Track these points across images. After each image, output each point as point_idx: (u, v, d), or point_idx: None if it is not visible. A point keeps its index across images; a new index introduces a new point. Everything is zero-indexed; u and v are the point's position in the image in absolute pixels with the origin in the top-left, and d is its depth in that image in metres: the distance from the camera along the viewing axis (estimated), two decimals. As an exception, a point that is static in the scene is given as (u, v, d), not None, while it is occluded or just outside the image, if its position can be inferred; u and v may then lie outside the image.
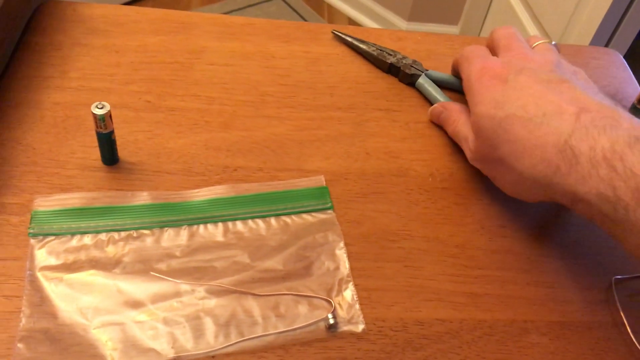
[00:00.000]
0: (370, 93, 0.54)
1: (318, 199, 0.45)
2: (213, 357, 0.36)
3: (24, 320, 0.36)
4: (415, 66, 0.55)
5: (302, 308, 0.39)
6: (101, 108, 0.41)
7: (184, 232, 0.42)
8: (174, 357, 0.36)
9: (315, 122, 0.51)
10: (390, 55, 0.56)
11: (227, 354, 0.37)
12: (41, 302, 0.37)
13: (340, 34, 0.58)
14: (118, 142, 0.45)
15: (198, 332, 0.37)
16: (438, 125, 0.52)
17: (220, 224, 0.42)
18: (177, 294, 0.39)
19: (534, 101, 0.41)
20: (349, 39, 0.57)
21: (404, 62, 0.55)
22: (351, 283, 0.40)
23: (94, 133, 0.46)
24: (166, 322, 0.37)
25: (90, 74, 0.52)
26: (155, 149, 0.47)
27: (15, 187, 0.43)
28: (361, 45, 0.57)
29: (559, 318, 0.41)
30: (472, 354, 0.38)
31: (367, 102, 0.53)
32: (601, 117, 0.38)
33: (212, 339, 0.37)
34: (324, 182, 0.46)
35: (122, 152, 0.46)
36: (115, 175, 0.45)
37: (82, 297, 0.38)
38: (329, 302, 0.39)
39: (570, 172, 0.37)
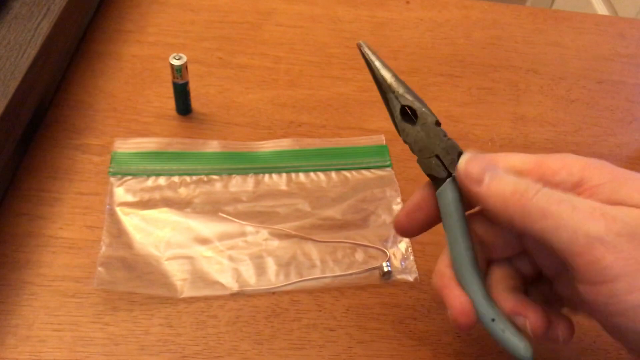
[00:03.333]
0: (433, 59, 0.55)
1: (378, 156, 0.46)
2: (273, 293, 0.39)
3: (104, 248, 0.39)
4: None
5: (358, 256, 0.41)
6: (178, 59, 0.44)
7: (250, 180, 0.44)
8: (237, 291, 0.38)
9: (379, 84, 0.52)
10: (409, 119, 0.35)
11: (286, 292, 0.39)
12: (119, 234, 0.40)
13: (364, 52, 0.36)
14: (191, 94, 0.48)
15: (260, 270, 0.40)
16: (500, 91, 0.52)
17: (284, 174, 0.45)
18: (242, 234, 0.41)
19: None
20: (375, 62, 0.36)
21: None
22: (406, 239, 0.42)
23: (169, 85, 0.49)
24: (231, 258, 0.40)
25: (166, 29, 0.54)
26: (225, 102, 0.49)
27: (97, 130, 0.46)
28: (378, 75, 0.36)
29: None
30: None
31: (430, 67, 0.54)
32: None
33: (273, 277, 0.39)
34: (384, 141, 0.47)
35: (195, 103, 0.48)
36: (188, 125, 0.47)
37: (155, 231, 0.41)
38: (384, 252, 0.41)
39: None
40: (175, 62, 0.44)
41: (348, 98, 0.51)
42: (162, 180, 0.43)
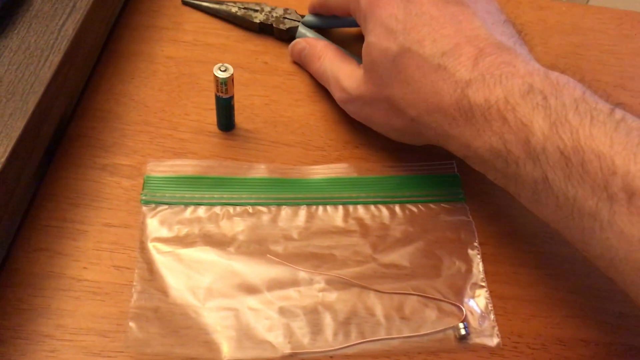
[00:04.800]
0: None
1: (448, 187, 0.40)
2: (331, 357, 0.33)
3: (135, 297, 0.34)
4: (288, 17, 0.47)
5: (430, 312, 0.35)
6: (224, 71, 0.38)
7: (302, 212, 0.38)
8: (290, 353, 0.33)
9: (447, 99, 0.46)
10: (257, 11, 0.47)
11: (346, 355, 0.33)
12: (152, 277, 0.35)
13: (191, 1, 0.49)
14: (236, 106, 0.41)
15: (316, 328, 0.34)
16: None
17: (340, 207, 0.39)
18: (295, 283, 0.35)
19: (430, 34, 0.35)
20: (204, 4, 0.48)
21: (275, 15, 0.47)
22: (485, 289, 0.36)
23: (208, 93, 0.43)
24: (282, 312, 0.34)
25: (205, 27, 0.48)
26: (271, 117, 0.43)
27: (128, 147, 0.40)
28: (220, 8, 0.48)
29: None
30: (622, 384, 0.34)
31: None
32: (499, 62, 0.34)
33: (330, 337, 0.34)
34: (456, 169, 0.41)
35: (238, 117, 0.42)
36: (230, 143, 0.41)
37: (194, 275, 0.35)
38: (460, 309, 0.35)
39: (466, 125, 0.34)
40: (221, 75, 0.38)
41: (412, 115, 0.44)
42: (201, 211, 0.37)
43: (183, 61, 0.45)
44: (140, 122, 0.42)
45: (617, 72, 0.50)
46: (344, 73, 0.41)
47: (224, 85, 0.38)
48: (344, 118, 0.43)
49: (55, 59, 0.36)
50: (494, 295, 0.36)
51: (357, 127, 0.43)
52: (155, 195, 0.38)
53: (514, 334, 0.35)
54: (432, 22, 0.36)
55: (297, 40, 0.46)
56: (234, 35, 0.48)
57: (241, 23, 0.48)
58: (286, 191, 0.39)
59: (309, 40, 0.45)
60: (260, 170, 0.40)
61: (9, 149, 0.32)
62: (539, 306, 0.36)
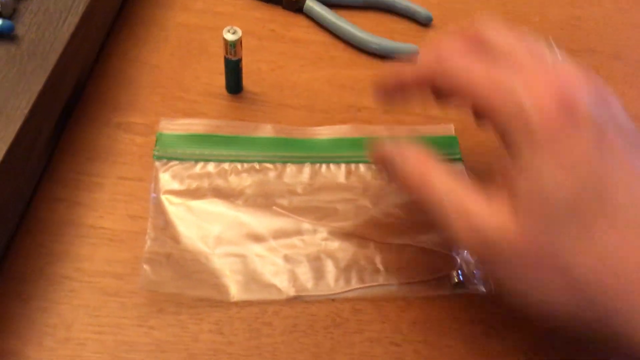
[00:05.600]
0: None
1: (446, 148, 0.42)
2: (333, 300, 0.35)
3: (149, 243, 0.36)
4: None
5: (426, 261, 0.37)
6: (233, 33, 0.40)
7: (306, 170, 0.40)
8: (294, 295, 0.35)
9: (446, 66, 0.47)
10: None
11: (347, 299, 0.35)
12: (165, 226, 0.37)
13: None
14: (243, 71, 0.43)
15: (318, 274, 0.36)
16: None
17: (343, 165, 0.41)
18: (299, 232, 0.37)
19: (625, 187, 0.27)
20: None
21: None
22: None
23: (218, 59, 0.45)
24: (287, 259, 0.36)
25: (215, -4, 0.50)
26: (278, 81, 0.45)
27: (141, 107, 0.42)
28: None
29: None
30: None
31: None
32: None
33: (332, 282, 0.36)
34: (454, 132, 0.43)
35: (245, 81, 0.44)
36: (238, 105, 0.43)
37: (204, 225, 0.37)
38: (454, 259, 0.37)
39: None
40: (230, 37, 0.39)
41: (413, 81, 0.46)
42: (211, 167, 0.39)
43: (193, 28, 0.47)
44: (152, 85, 0.44)
45: (612, 43, 0.51)
46: (472, 201, 0.29)
47: (233, 47, 0.40)
48: (347, 83, 0.45)
49: (74, 20, 0.38)
50: (487, 247, 0.38)
51: (360, 92, 0.45)
52: (167, 151, 0.40)
53: (505, 282, 0.37)
54: (627, 176, 0.27)
55: (380, 143, 0.35)
56: (242, 3, 0.50)
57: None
58: (291, 150, 0.41)
59: (401, 149, 0.33)
60: (266, 130, 0.42)
61: (32, 101, 0.34)
62: (530, 258, 0.38)
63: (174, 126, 0.41)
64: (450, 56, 0.31)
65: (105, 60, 0.45)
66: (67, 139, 0.40)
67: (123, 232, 0.36)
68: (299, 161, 0.41)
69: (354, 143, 0.42)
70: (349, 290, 0.35)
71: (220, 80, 0.44)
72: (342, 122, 0.43)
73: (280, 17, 0.49)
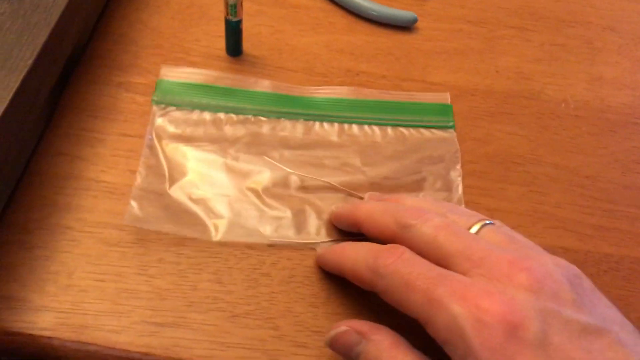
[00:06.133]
0: (502, 9, 0.51)
1: (441, 115, 0.43)
2: (312, 249, 0.36)
3: (138, 180, 0.36)
4: None
5: None
6: (234, -7, 0.40)
7: (300, 126, 0.41)
8: (276, 241, 0.36)
9: (444, 34, 0.48)
10: None
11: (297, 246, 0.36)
12: (156, 165, 0.37)
13: None
14: (244, 34, 0.44)
15: (300, 223, 0.37)
16: (574, 48, 0.48)
17: (336, 124, 0.41)
18: (286, 184, 0.38)
19: None
20: None
21: None
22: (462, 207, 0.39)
23: (218, 22, 0.45)
24: (272, 207, 0.37)
25: (215, -37, 0.50)
26: (277, 45, 0.46)
27: (141, 68, 0.43)
28: None
29: (693, 263, 0.38)
30: (597, 287, 0.36)
31: (500, 18, 0.50)
32: None
33: (313, 232, 0.36)
34: (449, 100, 0.44)
35: (245, 44, 0.45)
36: (238, 67, 0.44)
37: (195, 168, 0.38)
38: None
39: None
40: (231, -3, 0.40)
41: (411, 47, 0.47)
42: (207, 115, 0.40)
43: (194, -7, 0.48)
44: (153, 46, 0.44)
45: (607, 15, 0.52)
46: None
47: (234, 8, 0.41)
48: (346, 48, 0.46)
49: (76, -23, 0.39)
50: (481, 207, 0.39)
51: (358, 57, 0.46)
52: (166, 97, 0.40)
53: (498, 240, 0.38)
54: None
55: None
56: (242, -30, 0.50)
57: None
58: (287, 106, 0.42)
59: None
60: (264, 85, 0.42)
61: (35, 52, 0.34)
62: (522, 218, 0.39)
63: (175, 74, 0.42)
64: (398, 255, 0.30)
65: (106, 22, 0.45)
66: (69, 96, 0.40)
67: (124, 185, 0.37)
68: (294, 117, 0.41)
69: (350, 104, 0.42)
70: (330, 241, 0.36)
71: (221, 43, 0.44)
72: (340, 85, 0.44)
73: (280, -16, 0.50)
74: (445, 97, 0.44)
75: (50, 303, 0.32)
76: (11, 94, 0.32)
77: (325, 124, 0.41)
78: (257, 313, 0.33)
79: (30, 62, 0.34)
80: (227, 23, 0.42)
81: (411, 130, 0.42)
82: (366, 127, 0.42)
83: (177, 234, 0.35)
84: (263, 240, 0.36)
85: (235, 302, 0.33)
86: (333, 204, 0.38)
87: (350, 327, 0.30)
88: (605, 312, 0.28)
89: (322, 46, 0.46)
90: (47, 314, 0.32)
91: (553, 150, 0.42)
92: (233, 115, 0.40)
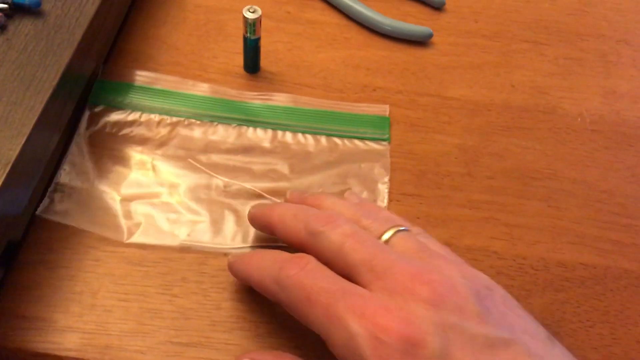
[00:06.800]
0: (516, 23, 0.51)
1: (377, 128, 0.42)
2: (225, 254, 0.36)
3: (61, 175, 0.37)
4: None
5: None
6: (253, 12, 0.40)
7: (233, 131, 0.41)
8: (189, 245, 0.36)
9: (459, 49, 0.48)
10: None
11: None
12: (81, 163, 0.38)
13: None
14: (261, 52, 0.44)
15: (217, 228, 0.37)
16: (589, 62, 0.48)
17: (269, 131, 0.41)
18: (208, 187, 0.38)
19: None
20: None
21: None
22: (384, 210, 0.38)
23: (235, 39, 0.46)
24: (190, 210, 0.37)
25: (231, -21, 0.51)
26: (294, 61, 0.46)
27: (160, 85, 0.43)
28: None
29: None
30: (615, 303, 0.37)
31: (514, 32, 0.50)
32: None
33: (229, 238, 0.36)
34: (388, 112, 0.43)
35: (263, 61, 0.45)
36: (256, 84, 0.44)
37: (118, 168, 0.38)
38: None
39: None
40: (250, 15, 0.40)
41: (427, 62, 0.47)
42: (140, 116, 0.41)
43: (211, 9, 0.48)
44: (171, 63, 0.44)
45: (620, 28, 0.52)
46: None
47: (253, 26, 0.41)
48: (362, 63, 0.46)
49: (97, -3, 0.39)
50: (500, 223, 0.39)
51: (374, 72, 0.46)
52: (100, 97, 0.41)
53: (518, 256, 0.38)
54: None
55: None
56: (258, -14, 0.50)
57: (265, -24, 0.51)
58: (223, 111, 0.42)
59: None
60: (203, 89, 0.43)
61: (59, 74, 0.35)
62: (541, 233, 0.39)
63: (114, 75, 0.42)
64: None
65: (125, 40, 0.45)
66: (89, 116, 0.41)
67: (145, 204, 0.37)
68: (228, 122, 0.41)
69: (286, 111, 0.42)
70: (243, 247, 0.36)
71: (238, 59, 0.45)
72: (357, 101, 0.44)
73: (295, 1, 0.50)
74: (384, 109, 0.44)
75: (75, 323, 0.33)
76: (36, 116, 0.33)
77: (259, 130, 0.41)
78: (279, 332, 0.33)
79: (54, 83, 0.34)
80: (246, 41, 0.42)
81: (345, 141, 0.42)
82: (300, 135, 0.42)
83: (91, 231, 0.36)
84: (175, 243, 0.36)
85: (258, 320, 0.34)
86: None
87: (251, 358, 0.30)
88: (516, 322, 0.28)
89: (339, 62, 0.46)
90: (72, 335, 0.32)
91: (570, 165, 0.42)
92: (167, 118, 0.41)
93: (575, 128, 0.45)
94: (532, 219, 0.39)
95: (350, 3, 0.49)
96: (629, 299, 0.37)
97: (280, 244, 0.34)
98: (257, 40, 0.42)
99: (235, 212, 0.37)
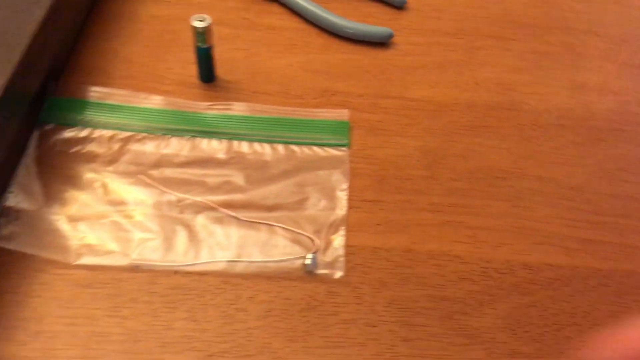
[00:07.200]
0: (481, 19, 0.50)
1: (335, 133, 0.41)
2: (176, 272, 0.35)
3: (9, 198, 0.36)
4: None
5: (283, 242, 0.36)
6: (202, 21, 0.39)
7: (187, 143, 0.40)
8: (137, 264, 0.35)
9: (422, 48, 0.47)
10: None
11: (189, 273, 0.35)
12: (29, 185, 0.37)
13: None
14: (215, 60, 0.43)
15: (169, 244, 0.36)
16: (556, 55, 0.47)
17: (225, 142, 0.40)
18: (159, 203, 0.37)
19: None
20: None
21: None
22: (344, 227, 0.37)
23: (190, 49, 0.44)
24: (141, 227, 0.36)
25: (188, -12, 0.50)
26: (252, 68, 0.45)
27: (113, 100, 0.42)
28: None
29: (685, 274, 0.37)
30: (584, 304, 0.35)
31: (478, 28, 0.49)
32: None
33: (180, 254, 0.35)
34: (347, 117, 0.42)
35: (219, 70, 0.44)
36: (212, 93, 0.43)
37: (68, 188, 0.37)
38: (313, 242, 0.36)
39: None
40: (198, 24, 0.39)
41: (388, 63, 0.46)
42: (91, 133, 0.40)
43: (166, 19, 0.47)
44: (125, 77, 0.43)
45: (588, 19, 0.51)
46: None
47: (203, 35, 0.40)
48: (322, 68, 0.45)
49: (40, 13, 0.38)
50: (464, 226, 0.38)
51: (334, 76, 0.45)
52: (50, 115, 0.40)
53: (482, 260, 0.37)
54: None
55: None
56: (215, -6, 0.49)
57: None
58: (176, 123, 0.41)
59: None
60: (155, 101, 0.42)
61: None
62: (507, 234, 0.38)
63: (65, 92, 0.41)
64: None
65: (79, 54, 0.44)
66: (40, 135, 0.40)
67: (96, 223, 0.36)
68: (181, 134, 0.40)
69: (242, 120, 0.41)
70: (193, 264, 0.35)
71: (194, 69, 0.44)
72: (317, 106, 0.43)
73: (254, 5, 0.49)
74: (343, 114, 0.42)
75: (20, 352, 0.31)
76: (-28, 139, 0.32)
77: (214, 141, 0.40)
78: (233, 351, 0.32)
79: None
80: (197, 50, 0.41)
81: (303, 148, 0.41)
82: (256, 144, 0.40)
83: (38, 255, 0.34)
84: (124, 262, 0.35)
85: (210, 340, 0.32)
86: (205, 223, 0.36)
87: None
88: None
89: (298, 67, 0.45)
90: (18, 363, 0.31)
91: (536, 163, 0.41)
92: (119, 133, 0.40)
93: (542, 124, 0.43)
94: (497, 220, 0.38)
95: (309, 6, 0.47)
96: (598, 299, 0.36)
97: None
98: (209, 49, 0.41)
99: (187, 227, 0.36)
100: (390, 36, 0.47)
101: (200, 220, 0.37)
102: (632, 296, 0.36)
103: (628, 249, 0.38)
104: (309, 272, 0.35)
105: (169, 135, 0.40)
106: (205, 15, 0.40)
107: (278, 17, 0.48)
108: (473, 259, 0.36)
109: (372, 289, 0.35)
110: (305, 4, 0.48)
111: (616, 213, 0.39)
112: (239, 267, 0.35)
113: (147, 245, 0.35)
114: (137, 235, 0.36)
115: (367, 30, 0.47)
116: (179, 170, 0.39)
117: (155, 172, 0.38)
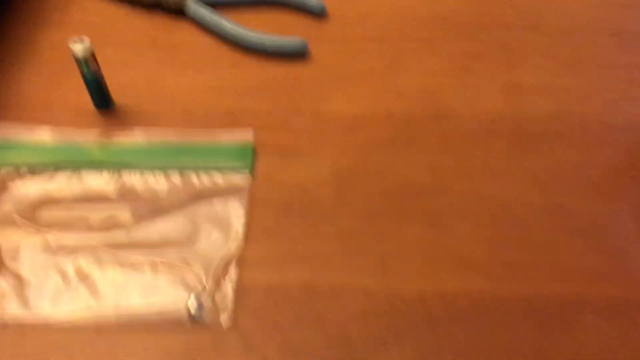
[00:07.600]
0: (408, 20, 0.46)
1: (238, 158, 0.38)
2: (46, 326, 0.31)
3: None
4: None
5: (166, 284, 0.33)
6: (80, 42, 0.36)
7: (73, 178, 0.37)
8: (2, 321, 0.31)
9: (341, 58, 0.43)
10: None
11: (60, 327, 0.31)
12: None
13: None
14: (111, 84, 0.40)
15: (37, 292, 0.32)
16: (489, 55, 0.43)
17: (114, 173, 0.37)
18: (35, 246, 0.34)
19: None
20: None
21: None
22: (235, 263, 0.33)
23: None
24: (12, 275, 0.33)
25: (89, 7, 0.47)
26: (153, 91, 0.42)
27: None
28: None
29: (622, 294, 0.33)
30: (506, 336, 0.31)
31: (404, 32, 0.45)
32: None
33: (48, 304, 0.32)
34: (251, 138, 0.39)
35: (117, 94, 0.41)
36: (109, 120, 0.40)
37: None
38: (200, 282, 0.33)
39: None
40: (78, 49, 0.36)
41: (302, 77, 0.42)
42: None
43: (66, 45, 0.44)
44: (15, 108, 0.40)
45: (528, 14, 0.47)
46: None
47: (86, 62, 0.37)
48: (229, 86, 0.42)
49: None
50: (372, 252, 0.34)
51: (243, 94, 0.41)
52: None
53: (390, 291, 0.33)
54: None
55: None
56: (121, 13, 0.46)
57: (130, 2, 0.47)
58: (62, 156, 0.38)
59: None
60: (42, 134, 0.39)
61: None
62: (421, 262, 0.34)
63: None
64: None
65: (-32, 88, 0.42)
66: None
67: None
68: (68, 168, 0.37)
69: (135, 149, 0.38)
70: (63, 315, 0.32)
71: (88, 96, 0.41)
72: (222, 126, 0.40)
73: (161, 24, 0.46)
74: (248, 135, 0.39)
75: None
76: None
77: (104, 174, 0.37)
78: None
79: None
80: (83, 76, 0.38)
81: (202, 175, 0.37)
82: (150, 175, 0.37)
83: None
84: None
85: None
86: (82, 265, 0.33)
87: None
88: None
89: (204, 86, 0.42)
90: None
91: (460, 177, 0.37)
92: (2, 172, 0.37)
93: (469, 132, 0.39)
94: (411, 245, 0.34)
95: (218, 21, 0.44)
96: (522, 333, 0.31)
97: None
98: (95, 74, 0.38)
99: (61, 272, 0.33)
100: (304, 47, 0.43)
101: (76, 263, 0.33)
102: (562, 323, 0.32)
103: (558, 270, 0.33)
104: (193, 319, 0.32)
105: (54, 170, 0.37)
106: (84, 37, 0.37)
107: (187, 34, 0.45)
108: (380, 291, 0.33)
109: (264, 334, 0.31)
110: (213, 18, 0.44)
111: (545, 227, 0.35)
112: (114, 317, 0.32)
113: (6, 295, 0.32)
114: (2, 284, 0.33)
115: (278, 42, 0.43)
116: (62, 207, 0.36)
117: (35, 211, 0.35)
